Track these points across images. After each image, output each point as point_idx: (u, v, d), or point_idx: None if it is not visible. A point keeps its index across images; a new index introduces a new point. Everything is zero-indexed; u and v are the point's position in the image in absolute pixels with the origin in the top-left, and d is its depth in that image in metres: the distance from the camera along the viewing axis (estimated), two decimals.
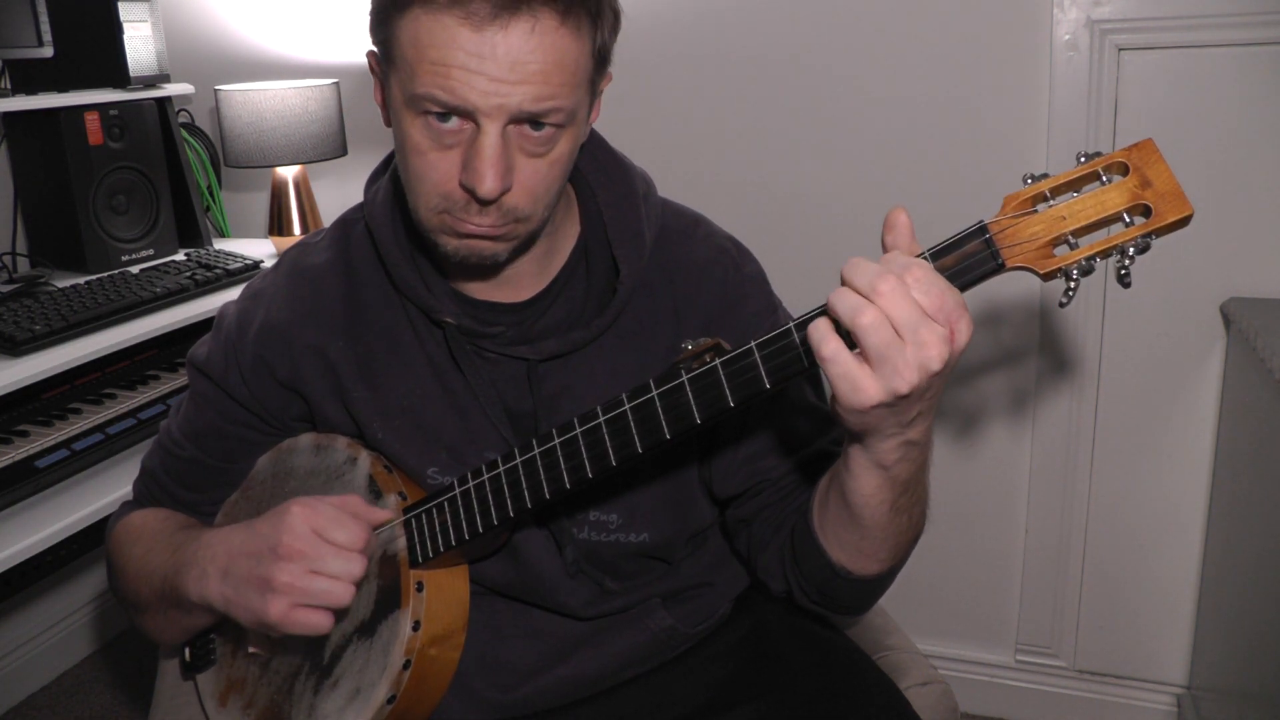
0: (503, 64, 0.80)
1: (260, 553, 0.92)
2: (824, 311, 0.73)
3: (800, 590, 0.99)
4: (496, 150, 0.83)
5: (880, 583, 0.95)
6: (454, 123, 0.84)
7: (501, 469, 0.92)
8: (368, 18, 0.89)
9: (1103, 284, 1.73)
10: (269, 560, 0.91)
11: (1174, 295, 1.70)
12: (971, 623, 2.00)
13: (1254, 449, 1.56)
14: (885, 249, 0.73)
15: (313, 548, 0.90)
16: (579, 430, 0.87)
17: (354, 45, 2.12)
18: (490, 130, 0.83)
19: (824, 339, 0.70)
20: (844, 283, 0.71)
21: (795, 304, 0.98)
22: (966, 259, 0.71)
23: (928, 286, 0.68)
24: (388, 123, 0.94)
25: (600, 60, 0.89)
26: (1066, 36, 1.64)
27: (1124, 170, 0.69)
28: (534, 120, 0.84)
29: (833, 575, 0.93)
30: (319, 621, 0.91)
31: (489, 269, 0.96)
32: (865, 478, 0.82)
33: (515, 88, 0.81)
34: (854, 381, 0.70)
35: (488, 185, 0.83)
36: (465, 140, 0.85)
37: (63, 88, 1.85)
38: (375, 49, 0.92)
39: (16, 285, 1.75)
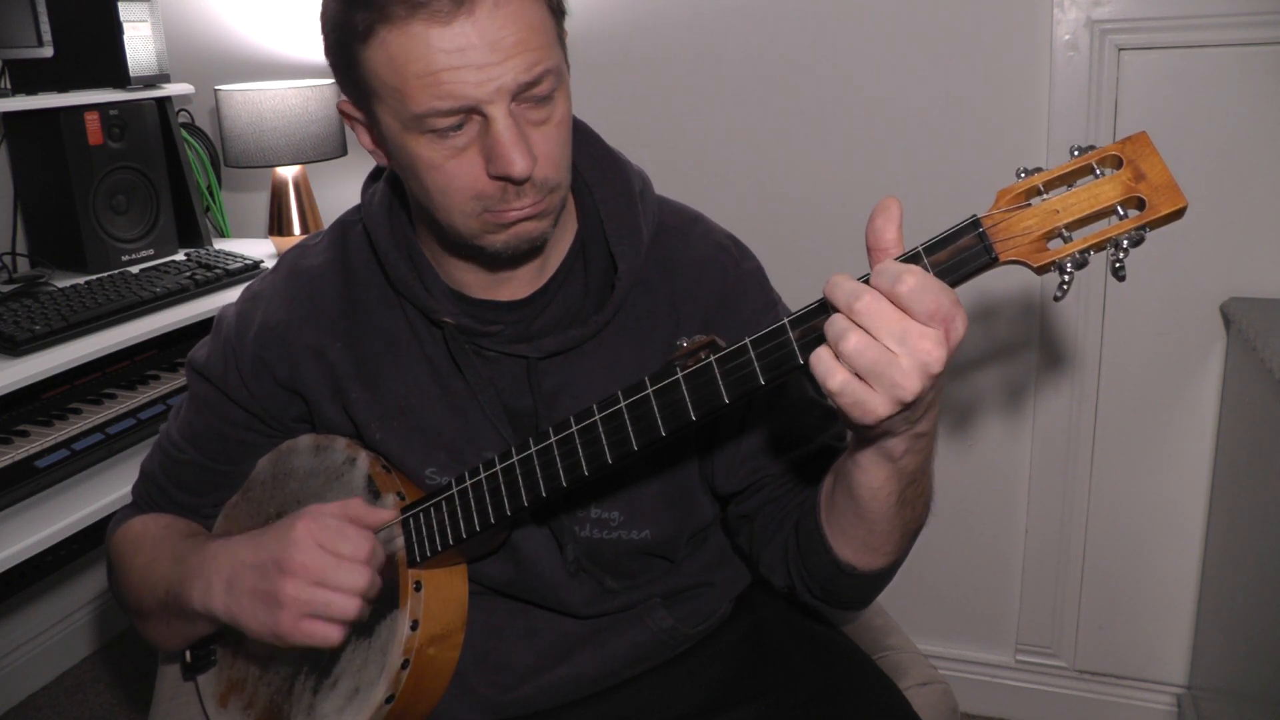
0: (482, 48, 0.80)
1: (265, 566, 0.92)
2: (820, 312, 0.73)
3: (803, 585, 0.99)
4: (513, 131, 0.83)
5: (883, 577, 0.95)
6: (459, 125, 0.84)
7: (498, 468, 0.92)
8: (329, 65, 0.89)
9: (1102, 284, 1.73)
10: (274, 574, 0.91)
11: (1174, 295, 1.70)
12: (971, 623, 2.00)
13: (1254, 449, 1.55)
14: (871, 234, 0.73)
15: (316, 560, 0.91)
16: (575, 429, 0.87)
17: None
18: (499, 115, 0.83)
19: (830, 372, 0.70)
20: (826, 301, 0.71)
21: (795, 302, 0.97)
22: (960, 253, 0.71)
23: (921, 294, 0.68)
24: (382, 161, 0.94)
25: (557, 14, 0.89)
26: (1066, 36, 1.64)
27: (1117, 163, 0.69)
28: (531, 92, 0.84)
29: (838, 572, 0.93)
30: (328, 632, 0.92)
31: (538, 250, 0.96)
32: (873, 471, 0.82)
33: (503, 65, 0.81)
34: (863, 406, 0.70)
35: (519, 166, 0.83)
36: (475, 137, 0.85)
37: (63, 88, 1.85)
38: (348, 95, 0.91)
39: (16, 285, 1.75)
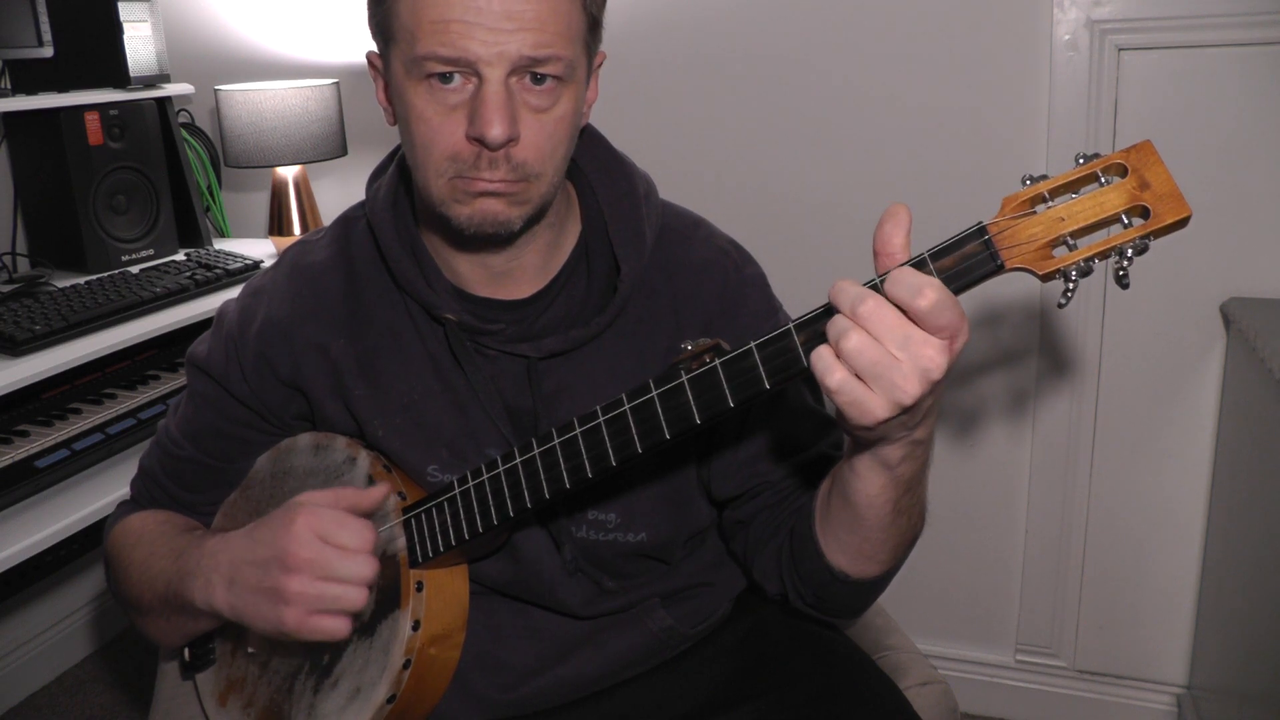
0: (498, 14, 0.83)
1: (266, 561, 0.92)
2: (826, 316, 0.73)
3: (796, 593, 0.99)
4: (500, 96, 0.84)
5: (876, 586, 0.96)
6: (456, 81, 0.85)
7: (501, 469, 0.92)
8: (366, 10, 0.91)
9: (1103, 285, 1.73)
10: (276, 570, 0.91)
11: (1174, 295, 1.70)
12: (971, 623, 2.00)
13: (1254, 449, 1.56)
14: (879, 240, 0.73)
15: (320, 554, 0.90)
16: (579, 430, 0.87)
17: (354, 45, 2.12)
18: (493, 78, 0.84)
19: (829, 369, 0.70)
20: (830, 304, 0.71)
21: (796, 306, 0.97)
22: (966, 260, 0.71)
23: (940, 310, 0.68)
24: (391, 121, 0.95)
25: (592, 24, 0.90)
26: (1066, 36, 1.64)
27: (1122, 172, 0.69)
28: (534, 73, 0.86)
29: (831, 579, 0.93)
30: (336, 626, 0.91)
31: (503, 240, 0.95)
32: (870, 478, 0.82)
33: (512, 36, 0.83)
34: (861, 406, 0.70)
35: (495, 130, 0.84)
36: (467, 98, 0.86)
37: (63, 88, 1.85)
38: (374, 40, 0.93)
39: (16, 285, 1.75)
